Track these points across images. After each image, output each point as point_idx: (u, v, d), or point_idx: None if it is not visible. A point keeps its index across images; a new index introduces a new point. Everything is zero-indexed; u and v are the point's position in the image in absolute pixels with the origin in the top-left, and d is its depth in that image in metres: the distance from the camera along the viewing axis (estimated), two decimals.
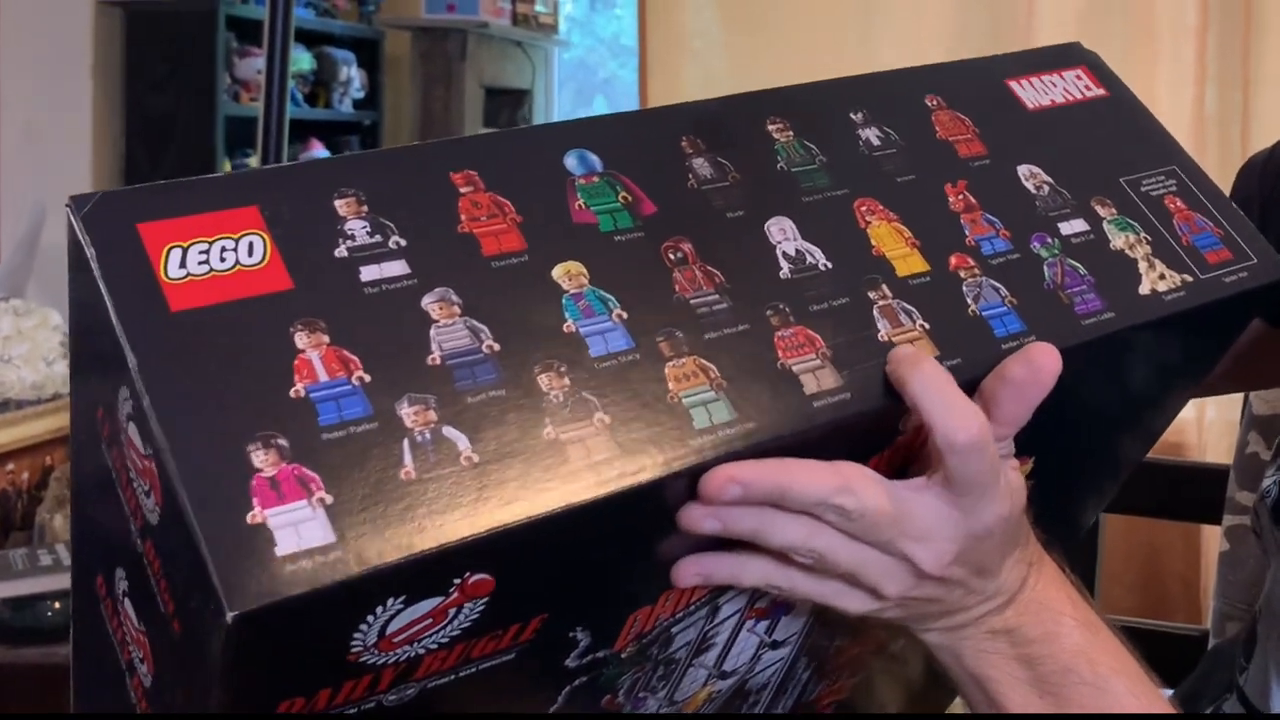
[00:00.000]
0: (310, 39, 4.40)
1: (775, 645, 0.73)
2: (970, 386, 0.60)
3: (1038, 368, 0.58)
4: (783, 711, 0.80)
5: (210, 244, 0.52)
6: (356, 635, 0.49)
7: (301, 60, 4.36)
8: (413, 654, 0.52)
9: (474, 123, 4.56)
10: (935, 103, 0.72)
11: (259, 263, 0.52)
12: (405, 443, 0.49)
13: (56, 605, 1.64)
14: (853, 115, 0.69)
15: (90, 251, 0.51)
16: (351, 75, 4.63)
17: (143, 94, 3.88)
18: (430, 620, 0.50)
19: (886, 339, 0.60)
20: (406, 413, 0.50)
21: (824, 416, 0.57)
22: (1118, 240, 0.69)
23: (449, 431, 0.50)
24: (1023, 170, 0.70)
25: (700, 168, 0.63)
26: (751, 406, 0.56)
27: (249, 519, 0.46)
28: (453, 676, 0.55)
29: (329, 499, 0.47)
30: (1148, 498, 1.35)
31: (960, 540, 0.58)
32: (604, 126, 0.63)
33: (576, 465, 0.51)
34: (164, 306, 0.50)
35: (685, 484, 0.54)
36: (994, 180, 0.69)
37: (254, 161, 4.16)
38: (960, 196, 0.68)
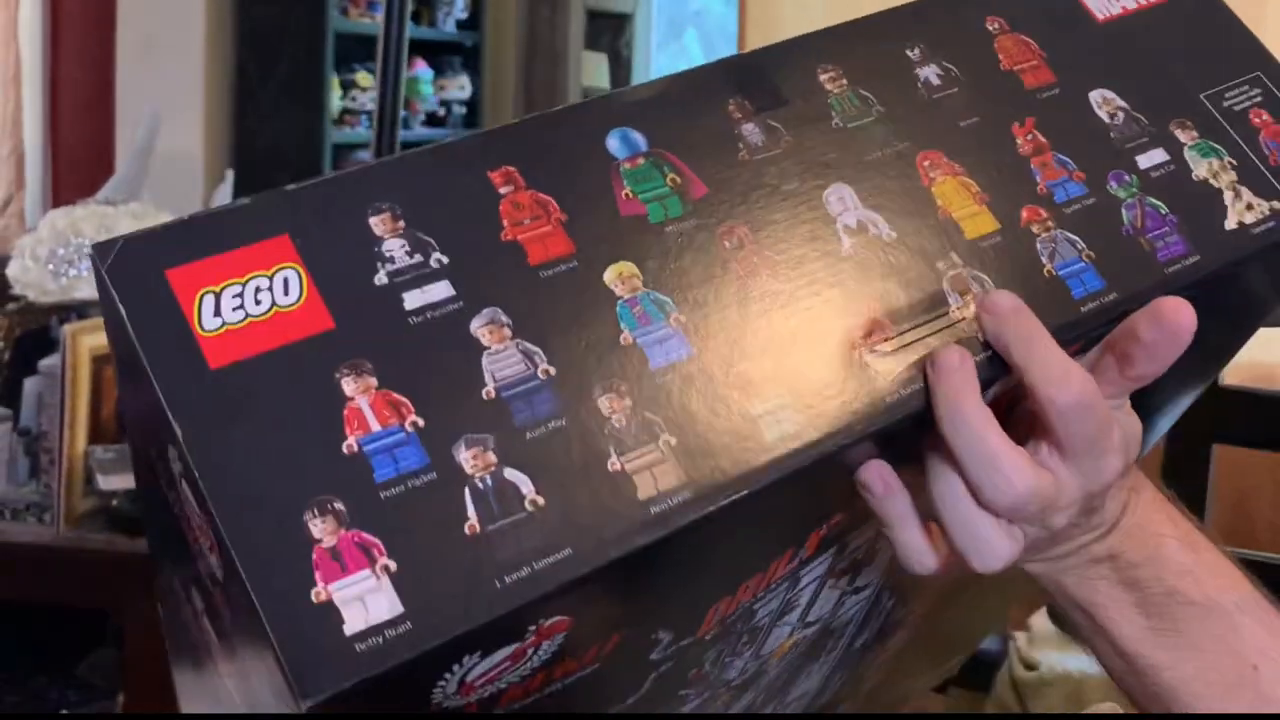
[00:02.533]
0: None
1: (857, 590, 0.73)
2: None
3: (1170, 326, 0.55)
4: (869, 637, 0.80)
5: (244, 285, 0.49)
6: (436, 691, 0.48)
7: None
8: (493, 691, 0.50)
9: (577, 46, 4.57)
10: (997, 26, 0.65)
11: (296, 302, 0.49)
12: (466, 492, 0.47)
13: None
14: (909, 52, 0.63)
15: (121, 309, 0.48)
16: None
17: (253, 5, 3.93)
18: (509, 663, 0.49)
19: (958, 315, 0.56)
20: (464, 457, 0.47)
21: (901, 411, 0.53)
22: (1200, 169, 0.64)
23: (510, 474, 0.48)
24: (1095, 97, 0.64)
25: (750, 135, 0.58)
26: (819, 407, 0.53)
27: (314, 596, 0.44)
28: (536, 698, 0.53)
29: (393, 565, 0.45)
30: (1251, 429, 1.29)
31: (1079, 503, 0.56)
32: (645, 98, 0.58)
33: (644, 497, 0.49)
34: (202, 364, 0.47)
35: (764, 496, 0.51)
36: (1064, 113, 0.63)
37: (364, 78, 4.22)
38: (1029, 137, 0.62)
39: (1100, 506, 0.59)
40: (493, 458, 0.48)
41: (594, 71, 4.92)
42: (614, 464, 0.49)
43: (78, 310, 2.07)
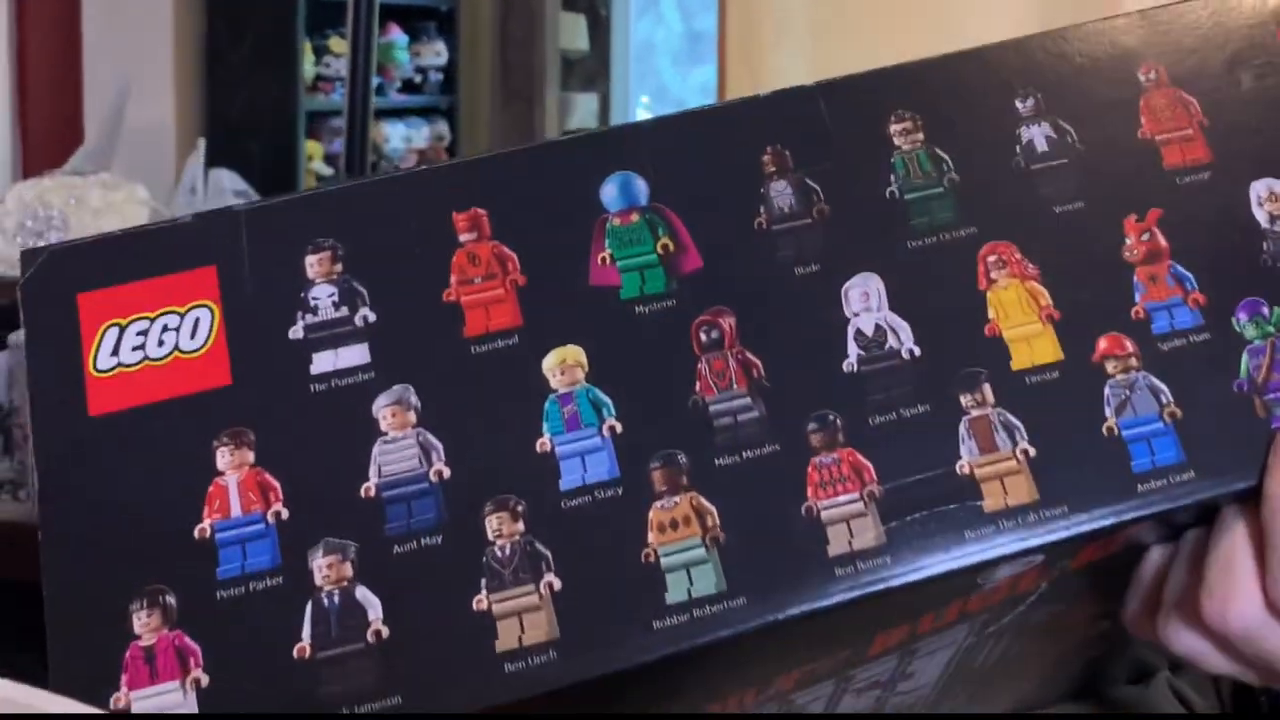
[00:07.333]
0: None
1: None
2: (1080, 543, 0.46)
3: None
4: None
5: (152, 321, 0.46)
6: None
7: None
8: None
9: (554, 6, 4.52)
10: (1152, 75, 0.50)
11: (200, 348, 0.46)
12: (309, 607, 0.43)
13: None
14: (1018, 102, 0.50)
15: (24, 331, 0.46)
16: None
17: None
18: None
19: (967, 472, 0.45)
20: (319, 565, 0.44)
21: (849, 594, 0.44)
22: None
23: (361, 594, 0.43)
24: (1259, 189, 0.49)
25: (778, 195, 0.49)
26: (749, 574, 0.44)
27: (113, 701, 0.42)
28: None
29: (204, 680, 0.42)
30: None
31: None
32: (663, 134, 0.50)
33: (502, 650, 0.43)
34: (83, 409, 0.45)
35: (655, 676, 0.44)
36: (1208, 205, 0.48)
37: (338, 43, 4.16)
38: (1145, 236, 0.48)
39: None
40: (348, 570, 0.44)
41: (572, 32, 4.87)
42: (480, 601, 0.43)
43: None
